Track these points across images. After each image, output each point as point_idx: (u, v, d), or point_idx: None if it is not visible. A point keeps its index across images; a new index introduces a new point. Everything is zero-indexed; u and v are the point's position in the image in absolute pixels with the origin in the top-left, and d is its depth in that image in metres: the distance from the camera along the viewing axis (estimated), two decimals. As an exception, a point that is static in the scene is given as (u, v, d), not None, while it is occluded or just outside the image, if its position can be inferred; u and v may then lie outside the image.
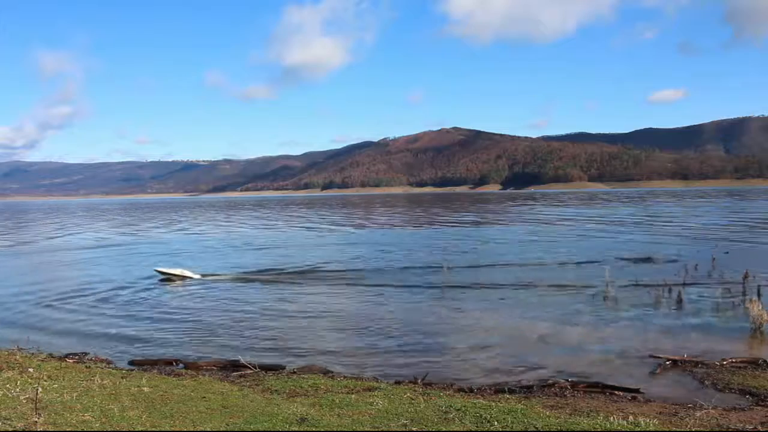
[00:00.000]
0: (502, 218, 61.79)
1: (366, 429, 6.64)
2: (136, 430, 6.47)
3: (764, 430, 6.77)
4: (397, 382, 9.36)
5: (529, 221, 55.03)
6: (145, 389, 8.30)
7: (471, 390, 8.96)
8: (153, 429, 6.53)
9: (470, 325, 13.84)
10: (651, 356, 10.64)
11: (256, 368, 10.26)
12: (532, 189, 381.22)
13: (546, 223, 51.49)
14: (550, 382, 9.26)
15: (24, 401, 6.89)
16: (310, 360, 11.19)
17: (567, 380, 9.29)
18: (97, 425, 6.51)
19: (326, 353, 11.75)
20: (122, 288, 19.89)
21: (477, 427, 6.64)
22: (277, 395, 8.40)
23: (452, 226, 51.15)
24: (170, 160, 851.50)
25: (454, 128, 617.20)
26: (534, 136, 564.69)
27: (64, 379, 8.74)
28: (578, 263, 23.62)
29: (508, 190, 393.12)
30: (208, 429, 6.61)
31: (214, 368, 10.61)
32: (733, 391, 8.82)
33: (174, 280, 21.30)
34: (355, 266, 24.44)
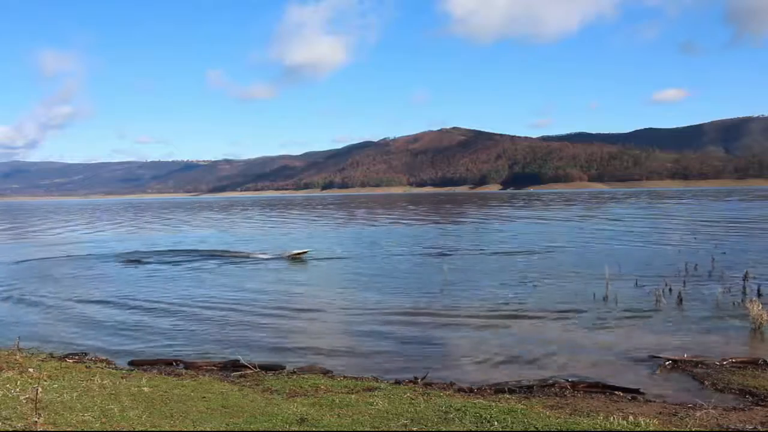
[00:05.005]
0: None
1: (366, 429, 6.64)
2: (136, 430, 6.47)
3: (764, 430, 6.77)
4: (397, 382, 9.36)
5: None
6: (145, 389, 8.31)
7: (471, 390, 8.95)
8: (153, 429, 6.53)
9: (470, 324, 13.84)
10: (651, 356, 10.65)
11: (256, 368, 10.26)
12: (531, 189, 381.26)
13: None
14: (550, 382, 9.26)
15: (24, 401, 6.89)
16: (310, 360, 11.19)
17: (567, 380, 9.29)
18: (97, 425, 6.52)
19: (326, 353, 11.75)
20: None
21: (477, 427, 6.64)
22: (277, 395, 8.40)
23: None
24: (170, 160, 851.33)
25: (454, 128, 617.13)
26: (534, 136, 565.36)
27: (64, 379, 8.74)
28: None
29: (508, 190, 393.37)
30: (208, 429, 6.61)
31: (214, 368, 10.60)
32: (733, 391, 8.82)
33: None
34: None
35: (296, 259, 27.18)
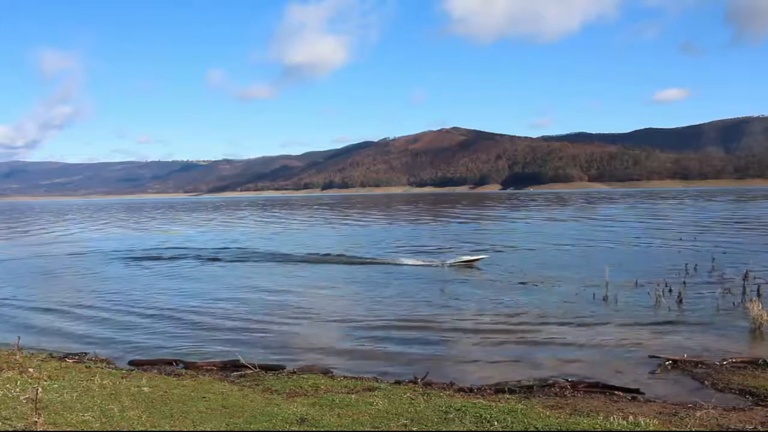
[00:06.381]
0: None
1: (366, 429, 6.64)
2: (136, 430, 6.47)
3: (764, 430, 6.77)
4: (397, 382, 9.35)
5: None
6: (145, 389, 8.31)
7: (471, 390, 8.95)
8: (153, 429, 6.53)
9: (470, 324, 13.84)
10: (651, 356, 10.64)
11: (256, 368, 10.26)
12: (531, 189, 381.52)
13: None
14: (550, 382, 9.25)
15: (24, 401, 6.89)
16: (310, 360, 11.19)
17: (567, 380, 9.28)
18: (97, 425, 6.52)
19: (326, 353, 11.75)
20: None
21: (477, 427, 6.64)
22: (277, 395, 8.40)
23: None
24: (170, 160, 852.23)
25: (454, 128, 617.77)
26: (534, 136, 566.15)
27: (64, 379, 8.74)
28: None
29: (508, 190, 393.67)
30: (208, 429, 6.61)
31: (214, 368, 10.60)
32: (733, 391, 8.81)
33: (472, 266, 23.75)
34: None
35: (468, 265, 23.81)
